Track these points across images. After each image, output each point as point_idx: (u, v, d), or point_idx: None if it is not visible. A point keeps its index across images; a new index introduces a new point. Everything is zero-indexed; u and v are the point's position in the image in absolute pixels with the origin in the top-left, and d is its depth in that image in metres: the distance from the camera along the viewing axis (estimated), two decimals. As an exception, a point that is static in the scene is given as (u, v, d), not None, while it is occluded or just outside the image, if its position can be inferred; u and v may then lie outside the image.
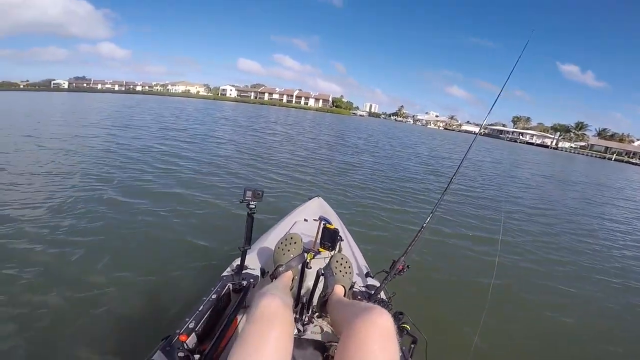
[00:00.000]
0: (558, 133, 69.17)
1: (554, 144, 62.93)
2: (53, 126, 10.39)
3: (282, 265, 1.31)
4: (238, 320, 1.20)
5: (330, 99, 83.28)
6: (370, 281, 1.61)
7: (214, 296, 1.24)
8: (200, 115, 19.97)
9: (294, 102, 78.47)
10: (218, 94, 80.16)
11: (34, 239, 2.99)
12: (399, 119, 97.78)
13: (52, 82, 75.18)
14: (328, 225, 1.63)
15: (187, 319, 1.09)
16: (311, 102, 79.57)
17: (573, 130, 68.34)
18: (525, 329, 2.63)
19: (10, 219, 3.35)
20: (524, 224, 5.53)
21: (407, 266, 1.47)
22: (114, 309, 2.19)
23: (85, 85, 78.26)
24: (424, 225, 1.61)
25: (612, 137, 66.24)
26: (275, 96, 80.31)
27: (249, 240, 1.39)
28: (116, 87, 79.42)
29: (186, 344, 1.03)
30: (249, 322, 0.84)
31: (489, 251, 3.92)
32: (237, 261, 1.48)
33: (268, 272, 1.44)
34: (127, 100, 31.17)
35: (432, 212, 1.65)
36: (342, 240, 1.69)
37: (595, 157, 50.05)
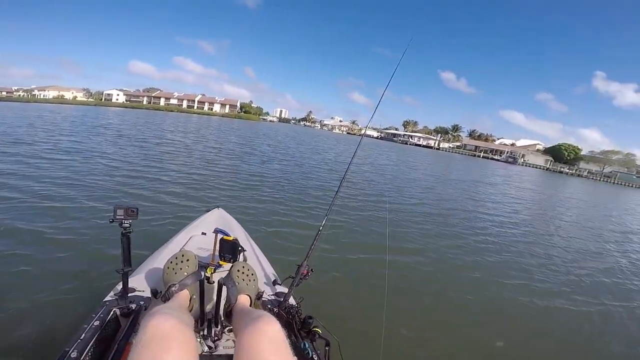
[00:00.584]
0: (439, 135, 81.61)
1: (436, 144, 73.82)
2: None
3: (174, 284, 1.17)
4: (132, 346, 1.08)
5: (239, 105, 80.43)
6: (279, 288, 1.60)
7: (96, 322, 1.14)
8: (70, 125, 16.37)
9: (195, 107, 72.84)
10: (101, 99, 68.55)
11: None
12: (308, 124, 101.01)
13: None
14: (225, 237, 1.52)
15: (67, 349, 1.00)
16: (216, 108, 75.36)
17: (450, 132, 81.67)
18: (422, 311, 2.97)
19: None
20: (409, 219, 6.07)
21: (311, 270, 1.51)
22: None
23: None
24: (320, 228, 1.64)
25: (479, 137, 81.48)
26: (174, 101, 73.24)
27: (128, 262, 1.25)
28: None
29: None
30: (139, 347, 0.73)
31: (381, 247, 4.21)
32: (120, 285, 1.35)
33: (160, 292, 1.31)
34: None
35: (326, 216, 1.68)
36: (244, 250, 1.58)
37: (468, 155, 60.50)
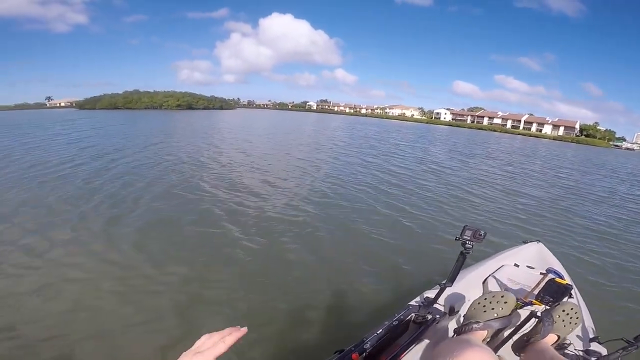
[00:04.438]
0: None
1: None
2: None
3: (478, 322, 1.07)
4: (406, 352, 1.14)
5: (577, 126, 64.66)
6: (595, 347, 1.37)
7: (395, 322, 1.21)
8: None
9: (521, 128, 66.53)
10: (432, 117, 79.69)
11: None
12: None
13: (306, 104, 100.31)
14: (558, 280, 1.33)
15: (365, 339, 1.08)
16: (546, 129, 64.75)
17: None
18: None
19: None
20: None
21: None
22: (301, 310, 2.45)
23: (327, 107, 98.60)
24: None
25: None
26: (497, 121, 70.81)
27: (452, 279, 1.29)
28: (347, 110, 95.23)
29: None
30: None
31: None
32: (429, 293, 1.43)
33: (457, 311, 1.37)
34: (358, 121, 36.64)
35: None
36: (571, 297, 1.44)
37: None
